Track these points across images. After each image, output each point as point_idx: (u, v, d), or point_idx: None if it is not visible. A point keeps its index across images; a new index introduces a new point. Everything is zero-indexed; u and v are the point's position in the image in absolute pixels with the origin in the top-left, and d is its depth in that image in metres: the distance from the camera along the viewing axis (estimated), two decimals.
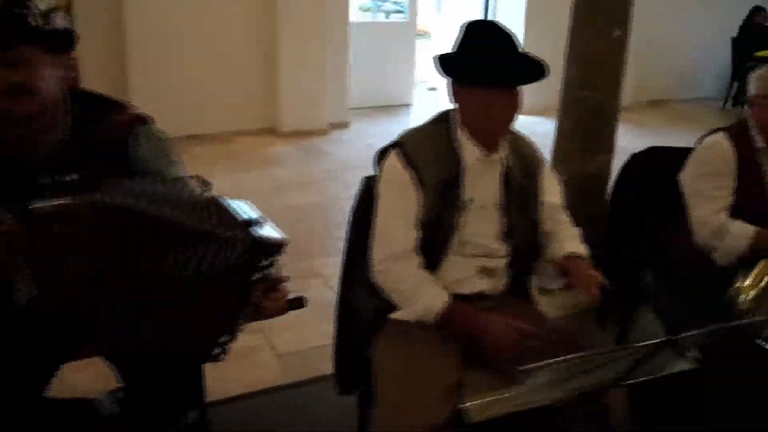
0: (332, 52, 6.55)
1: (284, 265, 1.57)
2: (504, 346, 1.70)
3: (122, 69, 6.01)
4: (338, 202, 4.74)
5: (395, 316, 1.86)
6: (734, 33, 8.24)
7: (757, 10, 8.17)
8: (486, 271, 1.91)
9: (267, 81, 6.47)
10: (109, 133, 1.64)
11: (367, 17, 8.17)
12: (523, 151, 1.98)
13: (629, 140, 4.25)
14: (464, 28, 1.80)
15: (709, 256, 2.17)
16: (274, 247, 1.52)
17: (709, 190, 2.20)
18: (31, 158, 1.57)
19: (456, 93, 1.83)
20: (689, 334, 1.48)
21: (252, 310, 1.61)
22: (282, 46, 6.28)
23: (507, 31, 1.77)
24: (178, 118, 6.15)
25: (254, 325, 1.59)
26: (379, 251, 1.86)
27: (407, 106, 7.66)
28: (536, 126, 4.90)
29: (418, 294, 1.83)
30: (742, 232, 2.11)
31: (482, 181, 1.89)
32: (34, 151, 1.56)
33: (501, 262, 1.93)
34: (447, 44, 1.97)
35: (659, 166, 2.48)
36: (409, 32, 7.49)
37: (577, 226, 2.87)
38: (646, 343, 1.49)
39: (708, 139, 2.28)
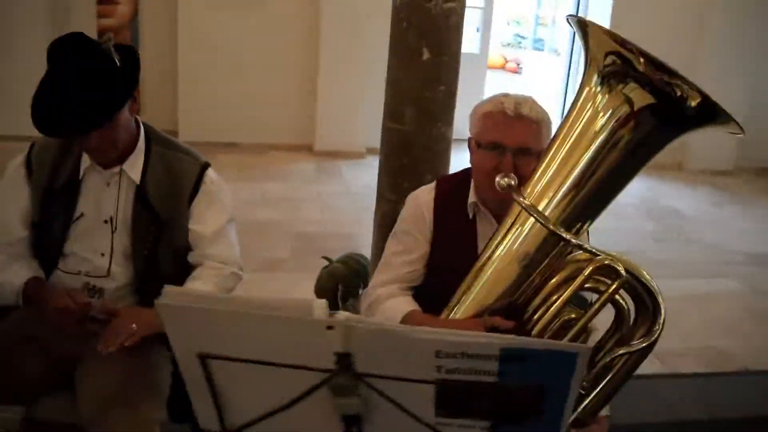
0: (377, 77, 6.40)
1: None
2: (62, 305, 1.64)
3: (173, 75, 6.33)
4: (298, 224, 4.74)
5: None
6: None
7: None
8: (93, 290, 1.76)
9: (306, 100, 6.50)
10: None
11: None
12: (174, 169, 1.80)
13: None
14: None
15: None
16: None
17: (389, 255, 1.74)
18: None
19: None
20: None
21: None
22: (322, 68, 6.30)
23: (81, 51, 1.60)
24: (219, 125, 6.40)
25: None
26: None
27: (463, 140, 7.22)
28: None
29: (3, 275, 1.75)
30: (390, 313, 1.61)
31: (102, 196, 1.76)
32: None
33: (113, 284, 1.76)
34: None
35: None
36: (479, 65, 7.07)
37: None
38: None
39: (416, 191, 1.80)
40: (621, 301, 1.42)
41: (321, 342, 0.98)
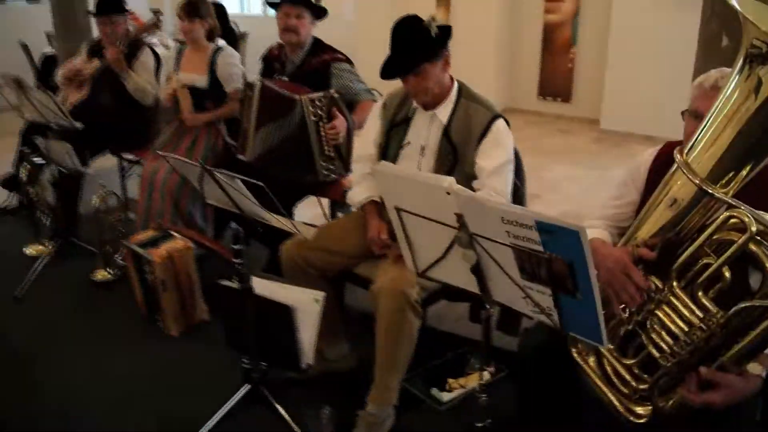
0: None
1: None
2: (371, 237, 2.52)
3: (602, 69, 6.89)
4: None
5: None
6: None
7: None
8: None
9: None
10: (319, 62, 3.28)
11: None
12: (472, 117, 2.45)
13: None
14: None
15: None
16: (320, 101, 3.01)
17: (606, 199, 2.07)
18: (285, 66, 3.39)
19: None
20: None
21: (326, 142, 3.05)
22: None
23: (410, 26, 2.35)
24: (638, 118, 6.70)
25: None
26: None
27: None
28: None
29: (355, 188, 2.70)
30: None
31: (423, 130, 2.52)
32: (287, 60, 3.37)
33: None
34: None
35: None
36: None
37: None
38: None
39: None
40: (761, 256, 1.54)
41: (446, 204, 1.54)
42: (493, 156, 2.40)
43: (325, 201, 3.54)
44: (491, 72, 7.55)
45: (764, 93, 1.48)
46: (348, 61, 3.34)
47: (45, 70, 6.30)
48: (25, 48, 7.10)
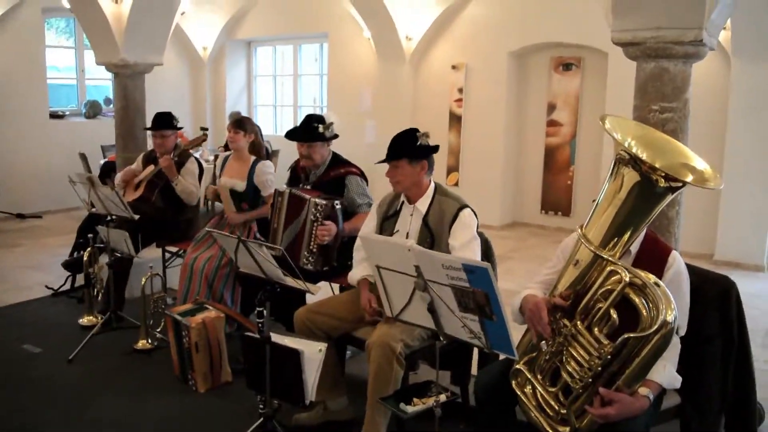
0: None
1: None
2: (363, 305, 3.14)
3: (597, 182, 7.55)
4: None
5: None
6: None
7: None
8: None
9: (710, 208, 6.90)
10: (336, 174, 3.95)
11: None
12: (444, 208, 3.15)
13: None
14: None
15: None
16: (322, 207, 3.67)
17: (544, 268, 2.66)
18: (308, 176, 4.05)
19: None
20: None
21: (314, 239, 3.70)
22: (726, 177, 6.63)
23: (405, 133, 3.15)
24: None
25: None
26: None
27: None
28: None
29: (354, 269, 3.34)
30: (522, 294, 2.54)
31: (408, 220, 3.21)
32: (311, 172, 4.03)
33: None
34: None
35: None
36: None
37: None
38: None
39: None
40: (636, 300, 2.13)
41: (408, 259, 2.17)
42: (461, 236, 3.06)
43: (336, 285, 4.18)
44: (498, 189, 8.31)
45: (627, 185, 2.14)
46: (361, 174, 4.05)
47: (103, 174, 7.26)
48: (83, 157, 8.12)
